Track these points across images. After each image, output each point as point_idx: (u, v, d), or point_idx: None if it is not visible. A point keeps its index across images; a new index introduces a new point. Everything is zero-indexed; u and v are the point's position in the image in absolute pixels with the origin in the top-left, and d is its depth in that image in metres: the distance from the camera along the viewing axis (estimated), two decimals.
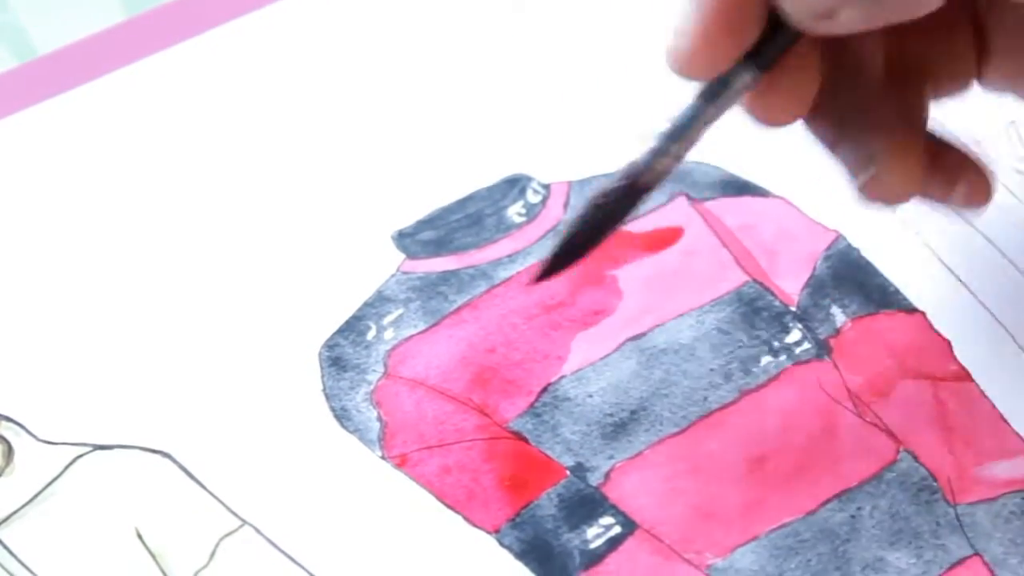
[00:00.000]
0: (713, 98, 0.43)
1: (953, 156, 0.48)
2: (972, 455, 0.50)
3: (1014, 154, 0.57)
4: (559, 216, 0.55)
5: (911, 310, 0.53)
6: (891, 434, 0.50)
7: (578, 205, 0.50)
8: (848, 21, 0.40)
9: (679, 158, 0.44)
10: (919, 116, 0.48)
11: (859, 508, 0.48)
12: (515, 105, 0.59)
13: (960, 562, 0.47)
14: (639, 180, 0.44)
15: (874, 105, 0.46)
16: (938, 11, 0.42)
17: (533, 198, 0.56)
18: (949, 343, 0.52)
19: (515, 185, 0.56)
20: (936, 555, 0.47)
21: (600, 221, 0.45)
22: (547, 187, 0.56)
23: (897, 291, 0.53)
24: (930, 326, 0.53)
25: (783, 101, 0.44)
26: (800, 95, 0.44)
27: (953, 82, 0.49)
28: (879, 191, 0.46)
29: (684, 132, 0.43)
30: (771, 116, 0.45)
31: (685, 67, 0.42)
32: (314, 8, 0.62)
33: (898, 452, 0.50)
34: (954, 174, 0.48)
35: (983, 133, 0.57)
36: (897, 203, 0.47)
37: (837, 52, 0.45)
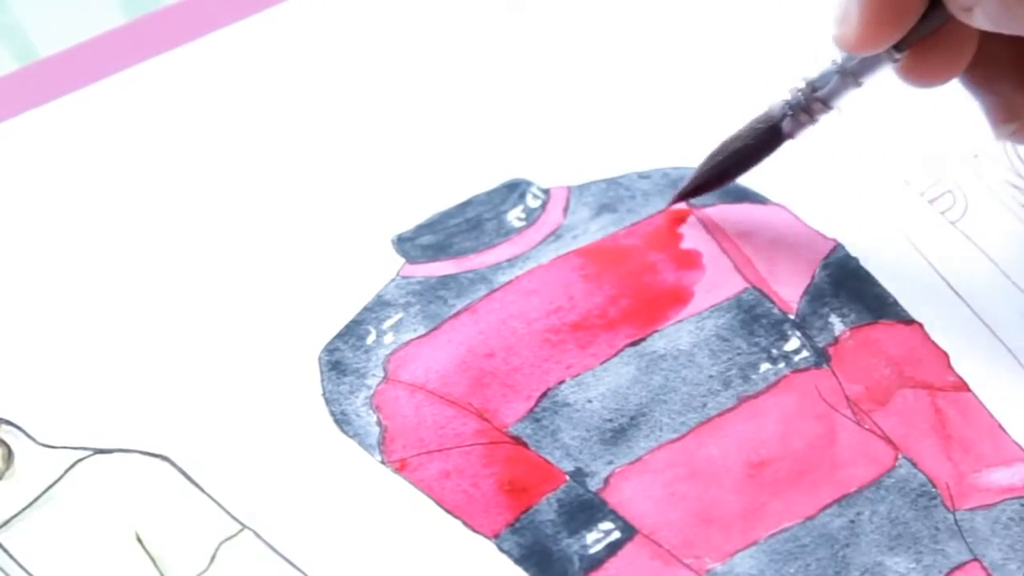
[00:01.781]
0: (859, 71, 0.50)
1: None
2: (970, 462, 0.50)
3: (1010, 168, 0.57)
4: (559, 221, 0.55)
5: (909, 321, 0.53)
6: (890, 441, 0.50)
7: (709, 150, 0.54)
8: (981, 20, 0.46)
9: (817, 114, 0.51)
10: None
11: (858, 513, 0.48)
12: (515, 109, 0.59)
13: (959, 567, 0.47)
14: (778, 124, 0.52)
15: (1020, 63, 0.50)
16: None
17: (533, 203, 0.56)
18: (947, 354, 0.52)
19: (515, 190, 0.56)
20: (935, 560, 0.47)
21: (738, 157, 0.53)
22: (547, 192, 0.56)
23: (895, 302, 0.53)
24: (927, 337, 0.53)
25: (941, 66, 0.49)
26: (958, 60, 0.49)
27: None
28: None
29: (827, 93, 0.51)
30: (928, 79, 0.50)
31: (852, 48, 0.48)
32: (314, 12, 0.62)
33: (897, 459, 0.50)
34: None
35: (979, 147, 0.57)
36: None
37: None
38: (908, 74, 0.50)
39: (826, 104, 0.51)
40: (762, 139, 0.53)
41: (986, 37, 0.48)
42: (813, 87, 0.51)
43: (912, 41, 0.48)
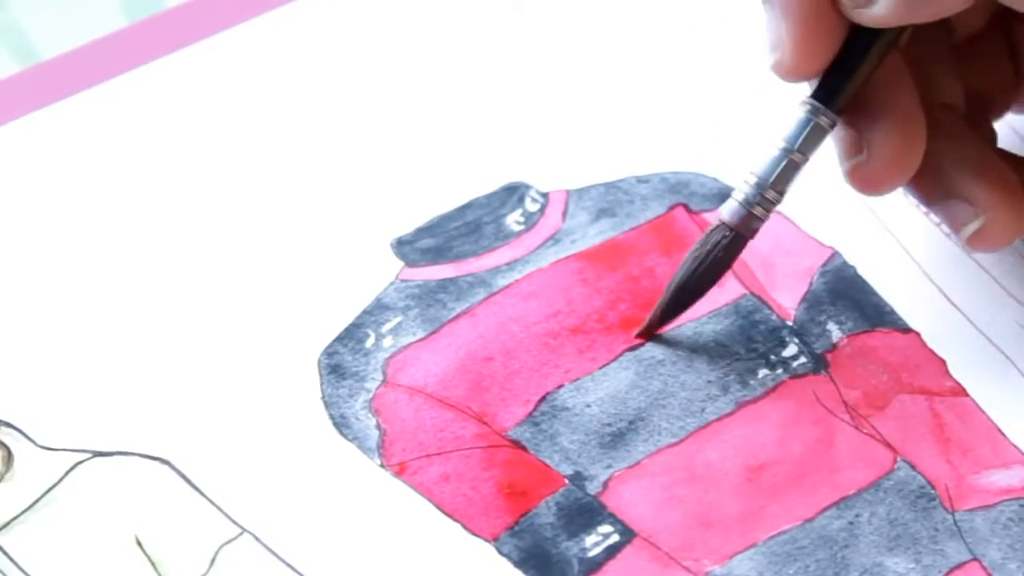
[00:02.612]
0: (798, 144, 0.49)
1: None
2: (969, 465, 0.50)
3: None
4: (557, 225, 0.55)
5: (906, 329, 0.53)
6: (888, 445, 0.50)
7: (679, 258, 0.52)
8: (880, 12, 0.46)
9: (774, 204, 0.50)
10: (995, 150, 0.52)
11: (857, 515, 0.48)
12: (514, 113, 0.59)
13: (959, 567, 0.47)
14: (739, 229, 0.50)
15: (973, 155, 0.50)
16: (979, 37, 0.46)
17: (532, 206, 0.56)
18: (944, 362, 0.52)
19: (514, 193, 0.56)
20: (935, 560, 0.47)
21: (702, 274, 0.51)
22: (546, 195, 0.56)
23: (892, 311, 0.54)
24: (924, 345, 0.53)
25: (890, 171, 0.49)
26: (908, 164, 0.49)
27: (1000, 109, 0.54)
28: (987, 240, 0.50)
29: (775, 181, 0.49)
30: (876, 187, 0.50)
31: (789, 75, 0.48)
32: (314, 14, 0.62)
33: (895, 461, 0.50)
34: None
35: None
36: (1000, 247, 0.51)
37: (928, 102, 0.49)
38: (858, 179, 0.50)
39: (780, 192, 0.50)
40: (728, 248, 0.50)
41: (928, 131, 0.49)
42: (761, 179, 0.49)
43: (842, 95, 0.48)
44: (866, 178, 0.49)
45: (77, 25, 0.67)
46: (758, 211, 0.50)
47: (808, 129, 0.49)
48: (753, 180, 0.50)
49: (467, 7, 0.63)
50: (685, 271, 0.51)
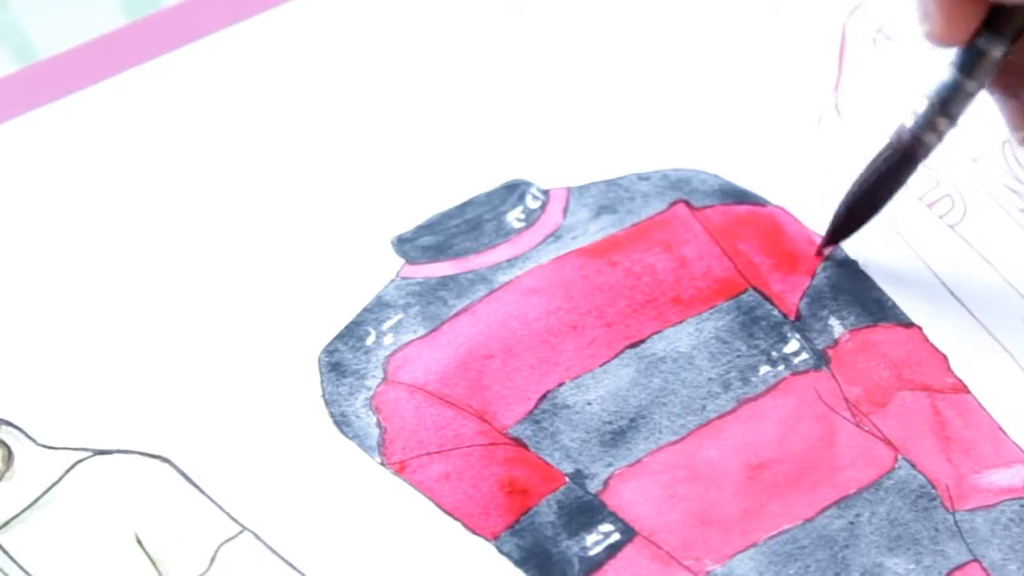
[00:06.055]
0: (967, 70, 0.50)
1: None
2: (970, 463, 0.50)
3: (1009, 172, 0.57)
4: (558, 222, 0.55)
5: (908, 324, 0.53)
6: (889, 443, 0.50)
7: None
8: None
9: (943, 132, 0.51)
10: None
11: (858, 515, 0.48)
12: (515, 111, 0.59)
13: (959, 567, 0.47)
14: (909, 150, 0.51)
15: None
16: None
17: (532, 204, 0.56)
18: (946, 357, 0.52)
19: (514, 190, 0.56)
20: (935, 561, 0.47)
21: (874, 191, 0.53)
22: (546, 193, 0.56)
23: (894, 305, 0.53)
24: (927, 340, 0.53)
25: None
26: None
27: None
28: None
29: (947, 106, 0.50)
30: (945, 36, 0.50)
31: (941, 39, 0.49)
32: (314, 13, 0.62)
33: (896, 460, 0.50)
34: None
35: (979, 151, 0.57)
36: None
37: None
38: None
39: (951, 117, 0.50)
40: (896, 168, 0.52)
41: (1017, 46, 0.49)
42: (935, 101, 0.50)
43: (1008, 34, 0.49)
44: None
45: (76, 24, 0.67)
46: (929, 136, 0.51)
47: (980, 63, 0.50)
48: (925, 104, 0.51)
49: (467, 6, 0.63)
50: (852, 191, 0.53)
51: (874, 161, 0.52)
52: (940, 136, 0.51)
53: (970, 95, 0.50)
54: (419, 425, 0.50)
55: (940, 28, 0.49)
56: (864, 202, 0.53)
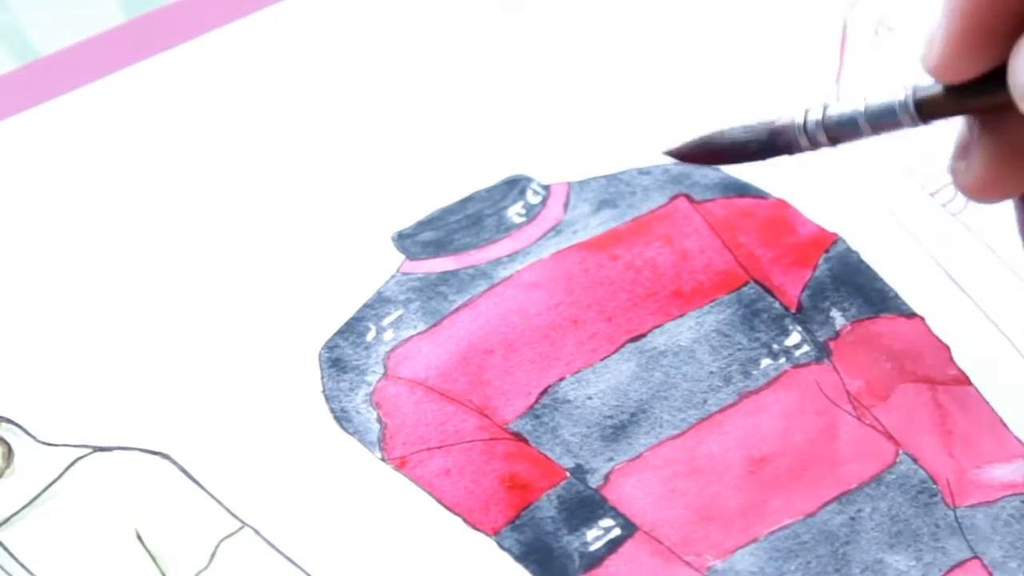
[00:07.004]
0: (876, 119, 0.44)
1: None
2: (971, 458, 0.50)
3: None
4: (559, 216, 0.55)
5: (910, 315, 0.53)
6: (890, 437, 0.50)
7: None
8: None
9: (818, 147, 0.45)
10: None
11: (859, 510, 0.48)
12: (515, 106, 0.59)
13: (959, 564, 0.47)
14: (774, 140, 0.46)
15: None
16: None
17: (533, 199, 0.56)
18: (948, 348, 0.52)
19: (515, 186, 0.56)
20: (935, 557, 0.47)
21: (734, 150, 0.47)
22: (547, 188, 0.56)
23: (896, 296, 0.53)
24: (929, 331, 0.53)
25: (1003, 180, 0.44)
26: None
27: None
28: None
29: (837, 131, 0.44)
30: (984, 193, 0.45)
31: (932, 71, 0.43)
32: (314, 10, 0.62)
33: (897, 455, 0.50)
34: None
35: None
36: None
37: None
38: (967, 184, 0.45)
39: (834, 141, 0.45)
40: (763, 142, 0.46)
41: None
42: (828, 120, 0.45)
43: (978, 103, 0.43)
44: (966, 184, 0.45)
45: (75, 21, 0.67)
46: (803, 141, 0.45)
47: (893, 112, 0.44)
48: (819, 113, 0.45)
49: (467, 4, 0.62)
50: (727, 131, 0.47)
51: (756, 127, 0.47)
52: (814, 147, 0.46)
53: (861, 136, 0.45)
54: (419, 420, 0.50)
55: (941, 58, 0.42)
56: (726, 149, 0.47)
